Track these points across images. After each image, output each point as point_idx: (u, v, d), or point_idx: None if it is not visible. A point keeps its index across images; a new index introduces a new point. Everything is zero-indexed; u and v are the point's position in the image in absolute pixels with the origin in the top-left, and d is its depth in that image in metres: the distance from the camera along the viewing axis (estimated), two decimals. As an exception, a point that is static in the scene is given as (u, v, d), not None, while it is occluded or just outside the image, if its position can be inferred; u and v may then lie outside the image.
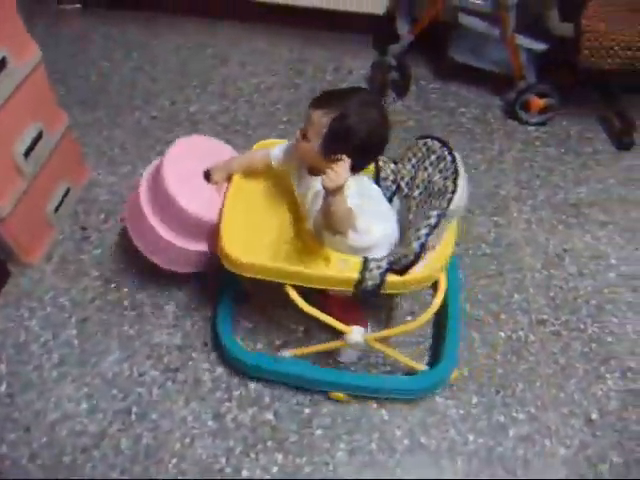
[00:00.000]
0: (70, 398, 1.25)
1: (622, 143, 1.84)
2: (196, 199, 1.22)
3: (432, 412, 1.24)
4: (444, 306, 1.29)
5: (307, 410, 1.25)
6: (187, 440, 1.20)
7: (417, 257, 1.02)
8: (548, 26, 1.81)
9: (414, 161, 1.20)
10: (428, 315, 1.11)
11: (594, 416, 1.24)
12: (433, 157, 1.13)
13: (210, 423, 1.23)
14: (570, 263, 1.52)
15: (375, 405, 1.25)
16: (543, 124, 1.90)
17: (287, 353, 1.25)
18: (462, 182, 1.05)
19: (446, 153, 1.10)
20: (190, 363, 1.31)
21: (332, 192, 0.96)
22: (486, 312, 1.41)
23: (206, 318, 1.38)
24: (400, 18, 1.95)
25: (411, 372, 1.27)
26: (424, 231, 1.02)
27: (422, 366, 1.25)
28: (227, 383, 1.28)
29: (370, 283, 1.04)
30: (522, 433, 1.21)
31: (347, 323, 1.14)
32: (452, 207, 1.02)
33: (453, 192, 1.03)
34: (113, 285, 1.45)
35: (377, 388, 1.25)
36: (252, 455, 1.18)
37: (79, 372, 1.30)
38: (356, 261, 1.06)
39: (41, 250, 1.49)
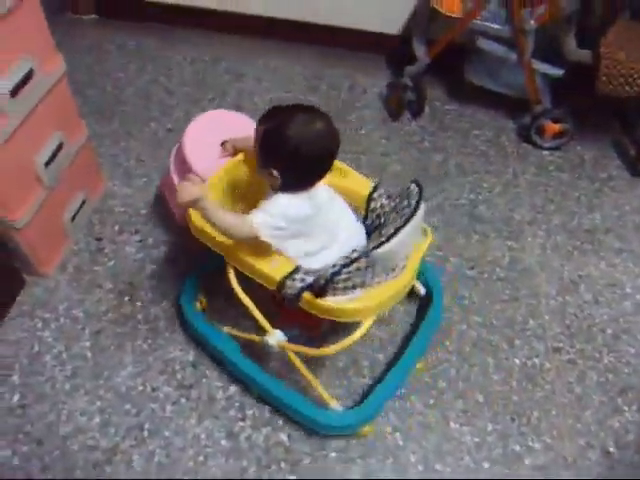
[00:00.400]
0: (83, 411, 1.24)
1: (637, 170, 1.85)
2: (209, 166, 1.25)
3: (447, 438, 1.23)
4: (406, 346, 1.30)
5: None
6: (200, 458, 1.19)
7: (326, 284, 0.98)
8: (565, 51, 1.83)
9: (397, 201, 1.16)
10: (338, 347, 1.07)
11: (611, 449, 1.23)
12: (405, 202, 1.11)
13: (223, 442, 1.22)
14: (585, 290, 1.53)
15: (390, 429, 1.24)
16: (557, 149, 1.91)
17: (224, 328, 1.29)
18: (401, 236, 1.00)
19: (413, 202, 1.08)
20: (204, 380, 1.31)
21: (187, 205, 1.01)
22: (501, 337, 1.41)
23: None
24: (416, 39, 1.96)
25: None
26: (341, 262, 1.01)
27: (335, 403, 1.19)
28: (241, 402, 1.27)
29: (289, 292, 1.03)
30: (538, 463, 1.20)
31: (308, 323, 1.14)
32: (376, 251, 0.98)
33: (388, 239, 1.00)
34: (127, 298, 1.44)
35: (286, 404, 1.21)
36: (265, 476, 1.17)
37: (92, 385, 1.29)
38: (288, 266, 1.06)
39: (56, 260, 1.49)
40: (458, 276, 1.54)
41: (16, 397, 1.26)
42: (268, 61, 2.19)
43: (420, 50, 1.92)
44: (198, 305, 1.38)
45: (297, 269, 1.05)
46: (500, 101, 1.98)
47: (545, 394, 1.31)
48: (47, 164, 1.34)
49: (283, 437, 1.23)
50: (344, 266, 0.98)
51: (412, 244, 1.09)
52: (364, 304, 1.04)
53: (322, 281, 0.99)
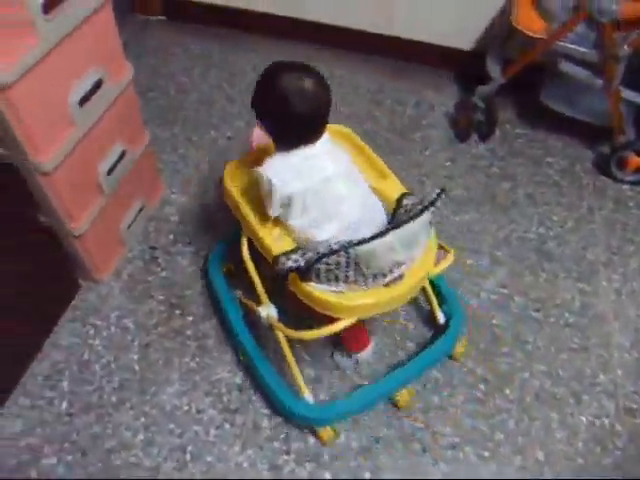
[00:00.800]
0: (128, 426, 1.23)
1: None
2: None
3: (503, 498, 1.15)
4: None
5: (367, 474, 1.18)
6: (241, 490, 1.16)
7: (308, 268, 0.96)
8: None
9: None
10: (315, 334, 1.05)
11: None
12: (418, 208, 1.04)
13: (266, 474, 1.18)
14: (664, 346, 1.40)
15: (430, 459, 1.18)
16: (638, 184, 1.77)
17: (237, 292, 1.34)
18: (387, 239, 0.94)
19: (418, 208, 1.01)
20: (250, 406, 1.27)
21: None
22: (567, 390, 1.31)
23: (271, 360, 1.33)
24: (491, 58, 1.86)
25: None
26: (323, 250, 0.98)
27: (308, 394, 1.18)
28: (286, 434, 1.23)
29: (279, 267, 1.03)
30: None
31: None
32: (356, 248, 0.93)
33: (371, 238, 0.94)
34: (178, 312, 1.42)
35: (262, 377, 1.23)
36: (306, 516, 1.13)
37: (138, 400, 1.27)
38: (288, 244, 1.08)
39: (111, 267, 1.49)
40: (522, 317, 1.44)
41: (64, 404, 1.26)
42: (333, 70, 2.13)
43: (494, 69, 1.82)
44: (225, 270, 1.43)
45: (295, 250, 1.04)
46: (577, 127, 1.85)
47: (615, 461, 1.20)
48: (109, 172, 1.33)
49: (327, 475, 1.18)
50: (324, 255, 0.94)
51: (412, 254, 1.02)
52: (341, 301, 1.00)
53: (305, 264, 0.98)
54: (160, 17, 2.36)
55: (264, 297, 1.16)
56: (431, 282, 1.31)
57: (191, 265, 1.51)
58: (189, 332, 1.39)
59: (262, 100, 1.04)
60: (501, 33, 1.89)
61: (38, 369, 1.31)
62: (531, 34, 1.63)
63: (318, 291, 1.00)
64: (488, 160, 1.84)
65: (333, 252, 0.93)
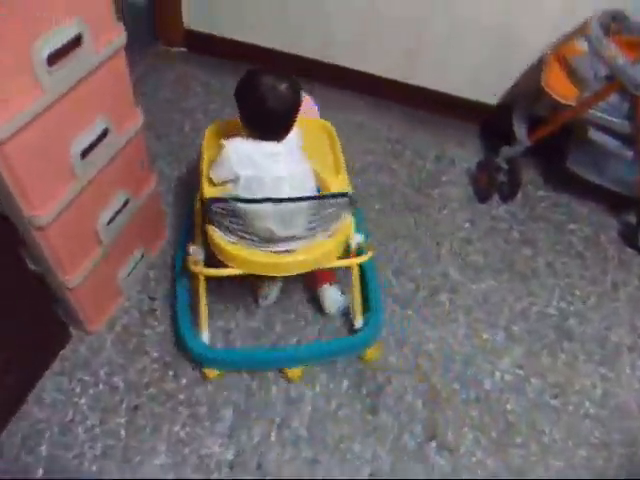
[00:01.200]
0: (105, 502, 1.14)
1: None
2: None
3: None
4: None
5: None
6: None
7: (207, 211, 1.11)
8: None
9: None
10: (211, 272, 1.21)
11: None
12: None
13: None
14: (694, 448, 1.29)
15: None
16: (666, 260, 1.68)
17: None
18: (266, 206, 1.08)
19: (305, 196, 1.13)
20: (240, 487, 1.18)
21: None
22: (586, 493, 1.21)
23: (266, 435, 1.24)
24: (517, 118, 1.79)
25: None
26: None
27: (205, 334, 1.31)
28: (277, 523, 1.13)
29: (203, 209, 1.14)
30: None
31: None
32: (240, 204, 1.08)
33: (257, 201, 1.08)
34: (171, 372, 1.34)
35: (177, 312, 1.36)
36: None
37: (120, 471, 1.18)
38: (222, 193, 1.18)
39: (105, 316, 1.41)
40: (539, 404, 1.34)
41: (39, 472, 1.17)
42: (352, 115, 2.07)
43: (521, 131, 1.74)
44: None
45: (223, 200, 1.11)
46: (602, 193, 1.77)
47: None
48: (109, 222, 1.26)
49: None
50: (217, 200, 1.10)
51: (289, 231, 1.12)
52: (229, 249, 1.15)
53: (206, 206, 1.11)
54: (182, 49, 2.33)
55: (199, 240, 1.27)
56: (363, 285, 1.39)
57: (189, 320, 1.43)
58: (181, 397, 1.30)
59: (242, 92, 1.14)
60: (529, 92, 1.82)
61: (17, 427, 1.23)
62: (561, 100, 1.56)
63: (217, 235, 1.15)
64: (508, 223, 1.76)
65: (223, 200, 1.09)
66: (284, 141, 1.14)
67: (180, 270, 1.42)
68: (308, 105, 1.42)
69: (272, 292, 1.45)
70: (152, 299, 1.47)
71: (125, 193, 1.30)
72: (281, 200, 1.07)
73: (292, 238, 1.14)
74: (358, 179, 1.83)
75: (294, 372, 1.32)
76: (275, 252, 1.15)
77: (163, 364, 1.35)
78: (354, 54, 2.08)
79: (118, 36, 1.09)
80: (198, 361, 1.32)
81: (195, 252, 1.23)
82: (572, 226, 1.77)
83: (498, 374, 1.39)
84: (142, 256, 1.48)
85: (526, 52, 1.85)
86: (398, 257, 1.63)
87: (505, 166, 1.74)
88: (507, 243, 1.70)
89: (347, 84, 2.15)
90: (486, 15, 1.81)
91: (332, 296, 1.40)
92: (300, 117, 1.18)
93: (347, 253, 1.28)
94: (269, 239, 1.13)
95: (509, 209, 1.80)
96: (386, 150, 1.96)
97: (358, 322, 1.38)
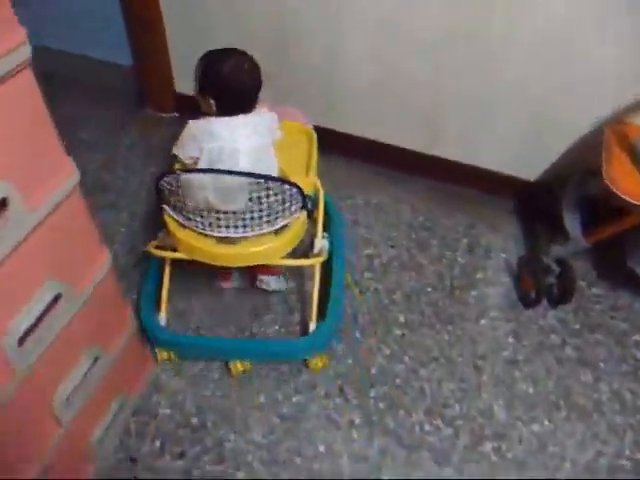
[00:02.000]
0: None
1: None
2: None
3: None
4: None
5: None
6: None
7: (156, 182, 1.13)
8: None
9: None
10: (163, 253, 1.27)
11: None
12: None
13: None
14: None
15: None
16: None
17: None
18: (207, 177, 1.08)
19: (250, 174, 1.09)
20: None
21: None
22: None
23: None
24: (567, 208, 1.50)
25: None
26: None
27: (163, 316, 1.35)
28: None
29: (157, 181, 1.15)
30: None
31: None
32: (183, 175, 1.09)
33: (195, 170, 1.12)
34: None
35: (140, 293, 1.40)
36: None
37: None
38: (177, 167, 1.21)
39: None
40: None
41: None
42: (371, 194, 1.79)
43: (574, 226, 1.46)
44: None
45: (170, 173, 1.10)
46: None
47: None
48: (69, 397, 0.99)
49: None
50: (164, 174, 1.11)
51: (226, 205, 1.10)
52: (173, 230, 1.18)
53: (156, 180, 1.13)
54: (173, 114, 2.07)
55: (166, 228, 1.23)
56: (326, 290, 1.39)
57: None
58: None
59: (209, 70, 1.15)
60: (581, 181, 1.54)
61: None
62: (630, 200, 1.27)
63: (168, 216, 1.19)
64: (560, 336, 1.47)
65: (170, 173, 1.10)
66: (248, 116, 1.15)
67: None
68: (298, 116, 1.46)
69: (233, 278, 1.50)
70: (133, 460, 1.20)
71: (94, 352, 1.04)
72: (221, 171, 1.07)
73: (237, 224, 1.13)
74: (379, 284, 1.55)
75: (236, 366, 1.32)
76: (220, 239, 1.15)
77: None
78: (369, 123, 1.81)
79: (68, 177, 0.83)
80: (150, 339, 1.33)
81: (162, 237, 1.26)
82: (637, 337, 1.47)
83: None
84: (121, 405, 1.21)
85: (573, 124, 1.57)
86: (431, 389, 1.34)
87: (556, 268, 1.46)
88: (560, 364, 1.41)
89: (365, 156, 1.88)
90: (526, 81, 1.53)
91: (269, 281, 1.47)
92: (286, 121, 1.29)
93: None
94: (211, 219, 1.12)
95: (559, 315, 1.51)
96: (410, 239, 1.68)
97: (312, 327, 1.33)
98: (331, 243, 1.40)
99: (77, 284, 0.93)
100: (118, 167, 1.85)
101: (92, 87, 2.07)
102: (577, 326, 1.49)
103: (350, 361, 1.39)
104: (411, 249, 1.65)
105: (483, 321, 1.49)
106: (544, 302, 1.52)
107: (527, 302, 1.51)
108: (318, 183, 1.37)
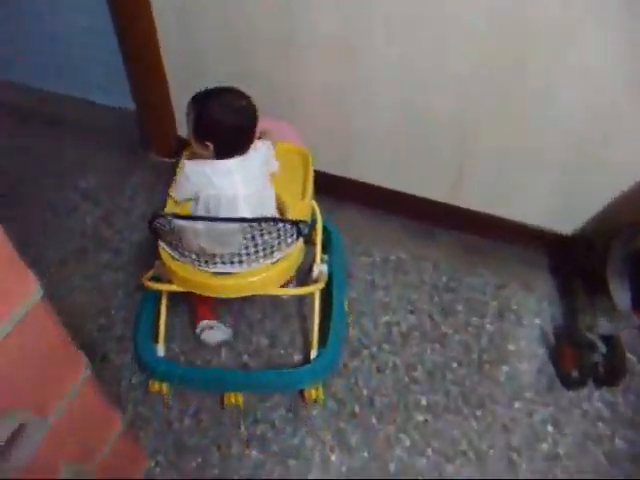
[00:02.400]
0: None
1: None
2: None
3: None
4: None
5: None
6: None
7: (150, 221, 1.08)
8: None
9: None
10: (154, 285, 1.23)
11: None
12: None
13: None
14: None
15: None
16: None
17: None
18: (199, 225, 1.05)
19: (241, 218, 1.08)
20: None
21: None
22: None
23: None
24: (614, 275, 1.31)
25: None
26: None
27: (161, 347, 1.32)
28: None
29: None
30: None
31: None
32: (175, 220, 1.05)
33: (188, 218, 1.11)
34: None
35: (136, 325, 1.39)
36: None
37: None
38: (171, 209, 1.20)
39: None
40: None
41: None
42: (390, 249, 1.63)
43: (622, 298, 1.27)
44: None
45: (162, 215, 1.07)
46: None
47: None
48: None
49: None
50: (158, 215, 1.07)
51: (221, 249, 1.07)
52: (169, 264, 1.14)
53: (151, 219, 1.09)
54: (176, 159, 1.95)
55: (161, 257, 1.19)
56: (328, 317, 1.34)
57: None
58: None
59: (202, 110, 1.11)
60: (628, 234, 1.35)
61: None
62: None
63: (163, 250, 1.15)
64: (608, 425, 1.27)
65: (162, 215, 1.06)
66: (242, 158, 1.13)
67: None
68: (290, 134, 1.39)
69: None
70: None
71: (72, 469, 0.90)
72: (212, 219, 1.07)
73: (233, 261, 1.10)
74: (398, 357, 1.38)
75: (229, 397, 1.28)
76: (215, 273, 1.12)
77: None
78: (386, 171, 1.65)
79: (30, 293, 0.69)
80: (145, 370, 1.33)
81: (157, 267, 1.23)
82: (700, 425, 1.28)
83: None
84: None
85: (618, 170, 1.38)
86: (458, 492, 1.17)
87: (602, 345, 1.27)
88: (611, 463, 1.21)
89: (382, 206, 1.73)
90: (563, 128, 1.36)
91: (210, 334, 1.36)
92: (280, 143, 1.27)
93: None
94: (206, 258, 1.10)
95: (606, 397, 1.32)
96: (432, 302, 1.51)
97: (313, 354, 1.29)
98: (330, 265, 1.36)
99: (45, 407, 0.79)
100: (118, 222, 1.73)
101: (97, 131, 2.00)
102: (627, 411, 1.30)
103: (365, 454, 1.23)
104: (433, 315, 1.48)
105: (517, 404, 1.30)
106: (591, 384, 1.33)
107: (568, 382, 1.33)
108: (315, 206, 1.33)
